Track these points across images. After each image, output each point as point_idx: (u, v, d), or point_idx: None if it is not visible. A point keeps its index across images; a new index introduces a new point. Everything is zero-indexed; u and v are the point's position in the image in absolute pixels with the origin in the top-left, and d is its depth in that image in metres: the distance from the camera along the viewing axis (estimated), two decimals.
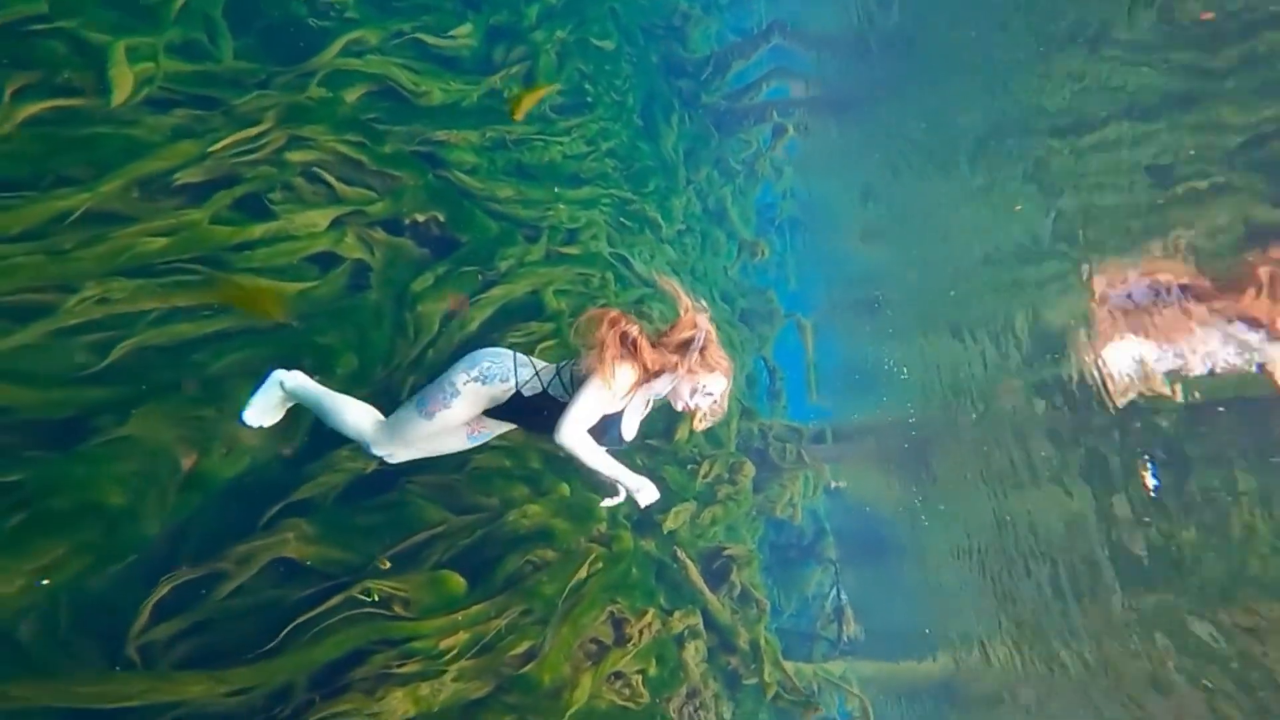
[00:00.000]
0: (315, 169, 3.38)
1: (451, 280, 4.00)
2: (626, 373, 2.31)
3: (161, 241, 2.72)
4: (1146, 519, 4.41)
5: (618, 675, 4.20)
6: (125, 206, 2.82)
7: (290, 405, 2.65)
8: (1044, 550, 5.52)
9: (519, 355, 2.55)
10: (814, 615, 9.17)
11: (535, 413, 2.49)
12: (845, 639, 8.15)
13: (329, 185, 3.36)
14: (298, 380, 2.59)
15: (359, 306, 3.32)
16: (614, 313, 2.32)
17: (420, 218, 3.76)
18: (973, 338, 6.14)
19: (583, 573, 3.76)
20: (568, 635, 3.46)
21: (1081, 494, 4.88)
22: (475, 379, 2.45)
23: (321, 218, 3.25)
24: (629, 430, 2.52)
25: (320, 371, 2.95)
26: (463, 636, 2.88)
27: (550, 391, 2.46)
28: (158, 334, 2.70)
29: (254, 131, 3.11)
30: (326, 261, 3.34)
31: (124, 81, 2.84)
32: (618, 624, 4.26)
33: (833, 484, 9.18)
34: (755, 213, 10.12)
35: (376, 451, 2.55)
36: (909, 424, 8.34)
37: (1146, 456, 4.24)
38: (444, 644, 2.81)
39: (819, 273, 11.50)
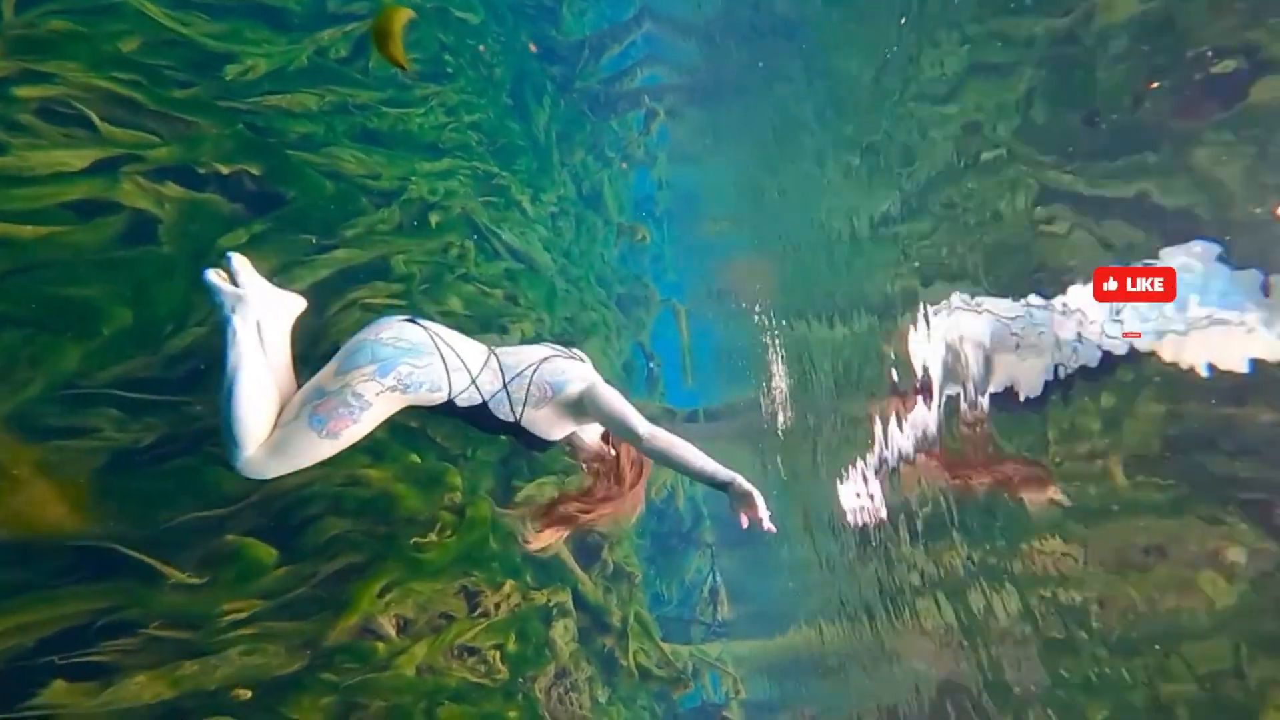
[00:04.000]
0: (65, 107, 2.87)
1: (273, 240, 3.66)
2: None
3: None
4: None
5: (471, 651, 4.00)
6: None
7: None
8: (862, 520, 5.86)
9: (444, 346, 2.02)
10: (694, 600, 9.30)
11: (473, 420, 2.10)
12: (719, 620, 8.32)
13: (94, 127, 2.89)
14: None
15: (139, 259, 2.92)
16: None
17: (225, 170, 3.39)
18: (821, 314, 6.39)
19: (432, 536, 3.53)
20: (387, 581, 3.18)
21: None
22: (392, 388, 1.91)
23: (76, 159, 2.79)
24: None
25: (78, 330, 2.57)
26: (254, 603, 2.56)
27: (491, 405, 2.05)
28: None
29: None
30: (93, 209, 2.89)
31: None
32: (471, 597, 4.06)
33: None
34: (633, 203, 10.14)
35: (249, 473, 1.90)
36: (766, 403, 8.60)
37: None
38: (228, 609, 2.47)
39: (693, 258, 11.70)
